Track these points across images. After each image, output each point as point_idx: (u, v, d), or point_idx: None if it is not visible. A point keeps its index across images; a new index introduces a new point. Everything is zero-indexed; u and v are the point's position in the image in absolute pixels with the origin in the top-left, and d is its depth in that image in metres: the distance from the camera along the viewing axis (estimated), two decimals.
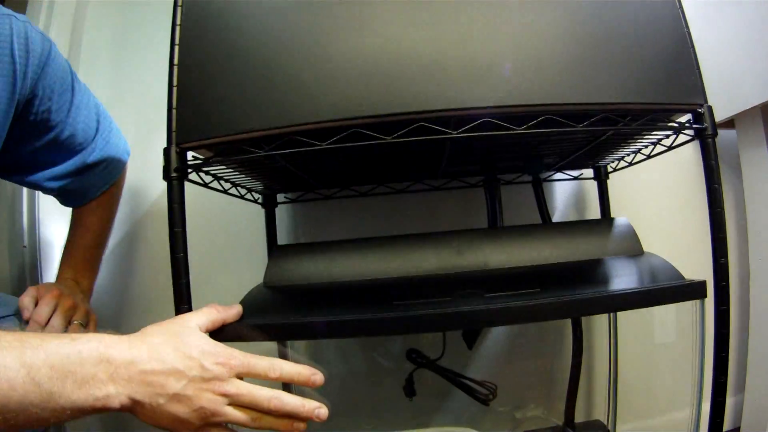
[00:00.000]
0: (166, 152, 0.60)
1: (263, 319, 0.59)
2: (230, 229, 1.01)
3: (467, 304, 0.57)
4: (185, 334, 0.51)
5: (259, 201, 0.91)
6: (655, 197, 1.02)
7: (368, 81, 0.58)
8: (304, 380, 0.52)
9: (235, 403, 0.49)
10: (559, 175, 0.99)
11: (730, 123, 1.00)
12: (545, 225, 0.82)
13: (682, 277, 0.65)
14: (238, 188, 0.80)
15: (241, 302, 0.65)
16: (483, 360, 0.95)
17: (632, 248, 0.72)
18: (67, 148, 0.75)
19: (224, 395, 0.48)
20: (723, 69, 0.92)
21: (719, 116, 0.95)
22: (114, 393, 0.45)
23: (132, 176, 0.92)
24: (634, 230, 0.73)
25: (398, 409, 0.93)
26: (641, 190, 1.02)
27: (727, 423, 1.03)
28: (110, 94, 1.05)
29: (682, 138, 0.70)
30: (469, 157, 0.77)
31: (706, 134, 0.64)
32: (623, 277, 0.66)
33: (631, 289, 0.61)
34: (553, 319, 0.62)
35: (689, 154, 0.99)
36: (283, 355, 0.89)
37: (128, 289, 1.04)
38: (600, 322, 0.98)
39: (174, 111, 0.61)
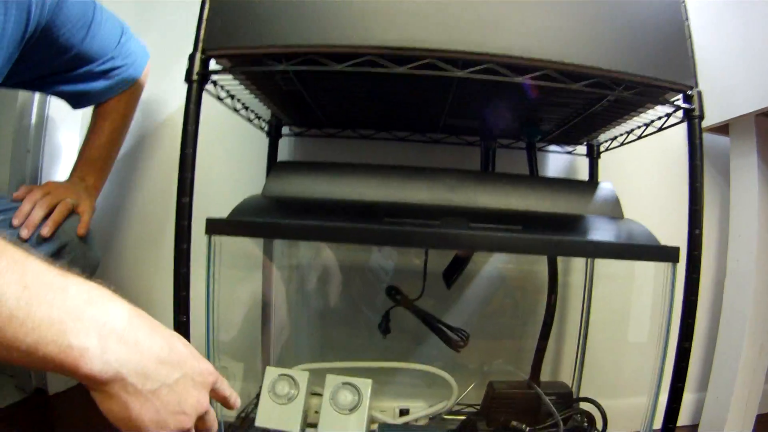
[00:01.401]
0: (191, 57, 0.68)
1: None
2: (233, 155, 1.10)
3: (453, 228, 0.65)
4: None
5: (265, 129, 0.99)
6: (642, 182, 1.11)
7: (389, 14, 0.66)
8: (233, 401, 0.51)
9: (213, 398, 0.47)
10: (553, 148, 1.08)
11: (723, 129, 1.08)
12: (534, 177, 0.92)
13: (658, 242, 0.72)
14: (248, 111, 0.88)
15: (237, 207, 0.72)
16: (459, 310, 1.03)
17: (613, 211, 0.80)
18: (85, 62, 0.83)
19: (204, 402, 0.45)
20: (722, 74, 1.00)
21: (714, 119, 1.03)
22: (96, 350, 0.36)
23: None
24: (617, 195, 0.82)
25: (370, 347, 1.01)
26: (630, 173, 1.10)
27: (687, 419, 1.10)
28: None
29: (671, 121, 0.78)
30: (471, 109, 0.84)
31: (693, 115, 0.72)
32: (602, 232, 0.74)
33: (607, 241, 0.69)
34: (530, 253, 0.69)
35: (678, 147, 1.08)
36: (267, 282, 0.96)
37: (125, 205, 1.12)
38: (575, 290, 1.07)
39: (204, 22, 0.69)
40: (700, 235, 0.71)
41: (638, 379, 1.05)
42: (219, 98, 0.77)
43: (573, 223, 0.76)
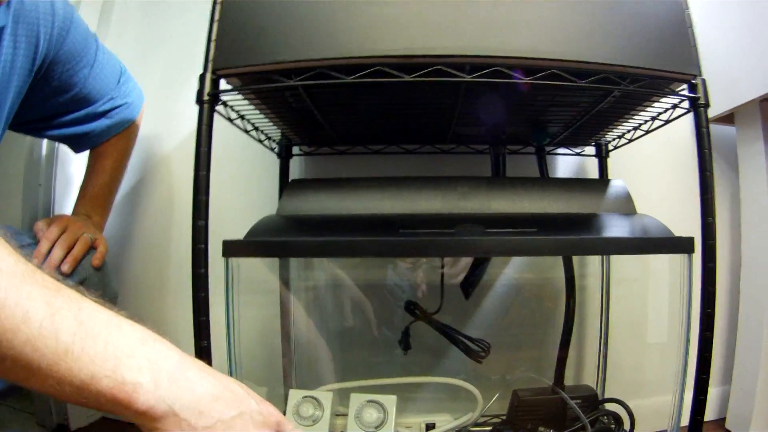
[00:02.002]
0: (201, 78, 0.69)
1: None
2: (240, 178, 1.10)
3: (469, 235, 0.65)
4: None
5: (275, 150, 1.00)
6: (651, 178, 1.11)
7: (395, 23, 0.66)
8: None
9: None
10: (562, 150, 1.08)
11: (729, 119, 1.09)
12: (546, 179, 0.92)
13: (673, 234, 0.72)
14: (259, 132, 0.88)
15: (254, 227, 0.72)
16: (478, 321, 1.03)
17: (626, 207, 0.80)
18: (87, 102, 0.85)
19: None
20: (723, 64, 1.00)
21: (719, 109, 1.03)
22: (149, 386, 0.36)
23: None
24: (628, 191, 0.82)
25: (392, 364, 1.00)
26: (638, 170, 1.10)
27: (713, 413, 1.09)
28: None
29: (677, 112, 0.79)
30: (480, 116, 0.85)
31: (699, 103, 0.73)
32: (616, 228, 0.74)
33: (623, 237, 0.68)
34: (547, 254, 0.68)
35: (684, 140, 1.09)
36: (285, 305, 0.95)
37: (131, 235, 1.13)
38: (591, 294, 1.07)
39: (213, 43, 0.69)
40: (713, 223, 0.71)
41: (661, 377, 1.04)
42: (230, 119, 0.77)
43: (588, 222, 0.76)
